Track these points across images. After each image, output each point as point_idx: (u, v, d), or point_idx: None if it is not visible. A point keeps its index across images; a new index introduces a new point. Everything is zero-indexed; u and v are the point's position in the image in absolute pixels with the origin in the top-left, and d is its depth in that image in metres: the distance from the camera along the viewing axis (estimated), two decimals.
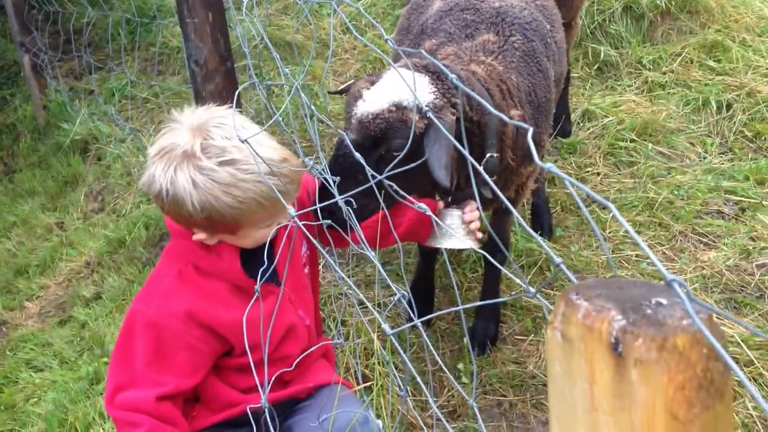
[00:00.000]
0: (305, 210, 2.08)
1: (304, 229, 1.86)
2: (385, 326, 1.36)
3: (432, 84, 2.33)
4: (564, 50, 3.37)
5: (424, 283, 3.61)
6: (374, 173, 1.95)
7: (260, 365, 1.96)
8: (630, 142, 4.79)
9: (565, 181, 1.00)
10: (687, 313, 0.86)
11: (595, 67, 5.54)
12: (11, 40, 7.08)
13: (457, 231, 2.46)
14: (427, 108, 2.14)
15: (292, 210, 1.79)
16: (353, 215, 2.09)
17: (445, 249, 2.49)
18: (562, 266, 1.12)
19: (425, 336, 1.55)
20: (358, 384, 2.43)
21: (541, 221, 4.17)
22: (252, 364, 1.78)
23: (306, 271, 2.35)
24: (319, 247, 2.09)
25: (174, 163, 1.92)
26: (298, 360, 2.11)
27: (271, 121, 1.88)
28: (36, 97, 6.62)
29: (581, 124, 5.07)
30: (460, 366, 3.35)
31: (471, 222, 2.49)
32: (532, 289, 1.26)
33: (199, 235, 2.03)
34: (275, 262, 2.07)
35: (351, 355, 2.84)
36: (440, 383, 3.36)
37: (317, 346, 2.27)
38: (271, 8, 6.96)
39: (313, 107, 2.04)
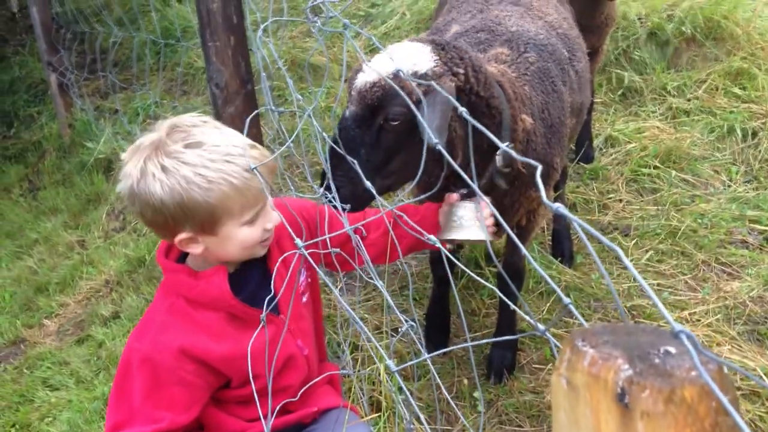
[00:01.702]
0: (313, 241, 2.04)
1: (309, 258, 1.81)
2: (390, 362, 1.33)
3: (433, 53, 2.30)
4: (587, 80, 3.33)
5: (439, 309, 3.58)
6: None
7: (261, 396, 1.93)
8: (653, 168, 4.74)
9: (574, 223, 0.97)
10: (693, 365, 0.82)
11: (619, 92, 5.50)
12: (39, 59, 7.17)
13: (470, 223, 2.37)
14: (402, 72, 2.10)
15: (299, 241, 1.76)
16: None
17: (457, 243, 2.40)
18: (571, 307, 1.09)
19: (433, 370, 1.52)
20: (365, 413, 2.40)
21: (562, 248, 4.13)
22: (255, 396, 1.75)
23: (305, 299, 2.31)
24: (322, 274, 2.05)
25: (143, 155, 1.91)
26: (302, 391, 2.08)
27: (281, 149, 1.86)
28: (62, 115, 6.69)
29: (604, 150, 5.02)
30: (476, 395, 3.30)
31: (487, 217, 2.42)
32: (542, 327, 1.23)
33: (181, 236, 1.96)
34: (275, 289, 2.04)
35: (358, 384, 2.81)
36: (455, 411, 3.31)
37: (321, 376, 2.24)
38: (296, 30, 7.01)
39: (324, 133, 2.01)
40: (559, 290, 1.10)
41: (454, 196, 2.39)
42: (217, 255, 2.06)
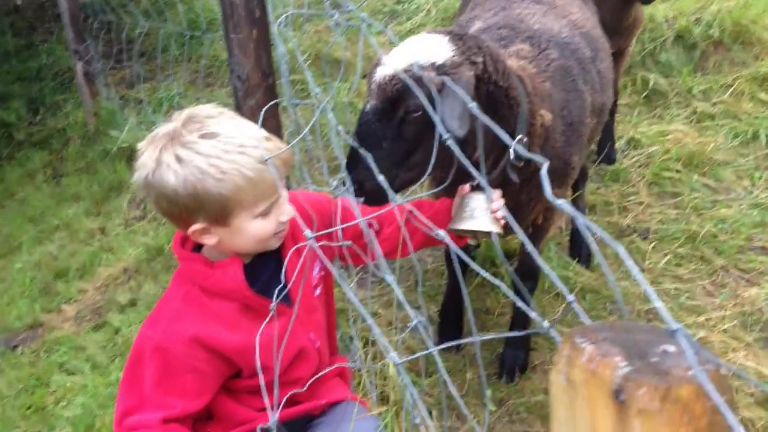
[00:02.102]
0: (324, 232, 2.04)
1: (319, 251, 1.81)
2: (393, 355, 1.33)
3: (451, 43, 2.30)
4: (609, 80, 3.31)
5: (453, 305, 3.57)
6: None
7: (271, 387, 1.94)
8: (675, 172, 4.70)
9: (578, 222, 0.97)
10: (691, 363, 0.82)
11: (644, 95, 5.46)
12: (66, 47, 7.23)
13: (481, 214, 2.35)
14: (419, 67, 2.10)
15: (308, 231, 1.76)
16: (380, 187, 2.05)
17: (466, 234, 2.39)
18: (575, 305, 1.08)
19: (440, 363, 1.52)
20: (374, 406, 2.40)
21: (579, 249, 4.11)
22: (263, 387, 1.75)
23: (318, 292, 2.32)
24: (332, 267, 2.05)
25: (159, 144, 1.92)
26: (310, 382, 2.08)
27: (294, 141, 1.87)
28: (87, 104, 6.75)
29: (626, 152, 4.99)
30: (488, 392, 3.30)
31: (496, 209, 2.41)
32: (546, 324, 1.23)
33: (194, 227, 1.97)
34: (287, 280, 2.04)
35: (368, 378, 2.81)
36: (468, 408, 3.31)
37: (331, 368, 2.24)
38: (321, 24, 7.02)
39: (340, 127, 2.02)
40: (562, 285, 1.10)
41: (466, 187, 2.38)
42: (230, 247, 2.06)
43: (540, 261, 1.19)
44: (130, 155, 6.01)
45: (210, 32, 6.56)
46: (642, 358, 0.85)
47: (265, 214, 2.00)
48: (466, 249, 3.61)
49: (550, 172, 2.73)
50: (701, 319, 3.58)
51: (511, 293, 1.31)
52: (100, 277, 4.86)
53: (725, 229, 4.18)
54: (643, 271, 3.99)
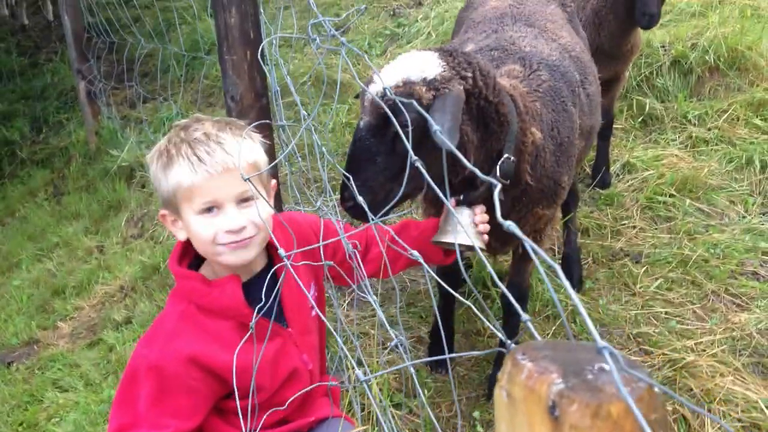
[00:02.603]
0: (301, 249, 2.06)
1: (293, 271, 1.83)
2: (359, 372, 1.36)
3: (441, 59, 2.33)
4: (598, 103, 3.35)
5: (443, 325, 3.59)
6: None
7: (263, 409, 1.95)
8: (669, 196, 4.72)
9: (525, 244, 0.99)
10: (625, 381, 0.84)
11: (640, 119, 5.49)
12: (70, 67, 7.33)
13: (466, 228, 2.37)
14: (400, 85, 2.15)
15: (282, 251, 1.78)
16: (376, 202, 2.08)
17: (452, 246, 2.41)
18: (529, 324, 1.11)
19: (417, 383, 1.54)
20: (360, 424, 2.41)
21: (571, 272, 4.13)
22: (252, 408, 1.76)
23: (313, 314, 2.33)
24: (305, 290, 2.06)
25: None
26: (292, 399, 2.09)
27: (273, 163, 1.90)
28: (89, 122, 6.83)
29: (621, 176, 5.02)
30: (476, 414, 3.31)
31: (481, 223, 2.43)
32: (512, 343, 1.25)
33: (162, 210, 2.11)
34: (279, 298, 2.06)
35: (355, 397, 2.83)
36: (457, 429, 3.32)
37: (315, 385, 2.25)
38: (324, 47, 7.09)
39: (323, 148, 2.05)
40: (514, 301, 1.12)
41: (452, 201, 2.41)
42: (196, 247, 2.11)
43: (503, 287, 1.22)
44: (129, 174, 6.07)
45: (212, 54, 6.64)
46: (578, 375, 0.88)
47: (203, 212, 2.01)
48: (454, 267, 3.61)
49: (540, 191, 2.79)
50: (690, 343, 3.58)
51: (476, 310, 1.33)
52: (97, 294, 4.89)
53: (717, 254, 4.19)
54: (634, 294, 4.01)
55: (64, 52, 7.85)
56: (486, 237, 2.41)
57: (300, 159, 4.01)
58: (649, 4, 4.18)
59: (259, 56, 2.46)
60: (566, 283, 0.90)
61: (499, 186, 1.11)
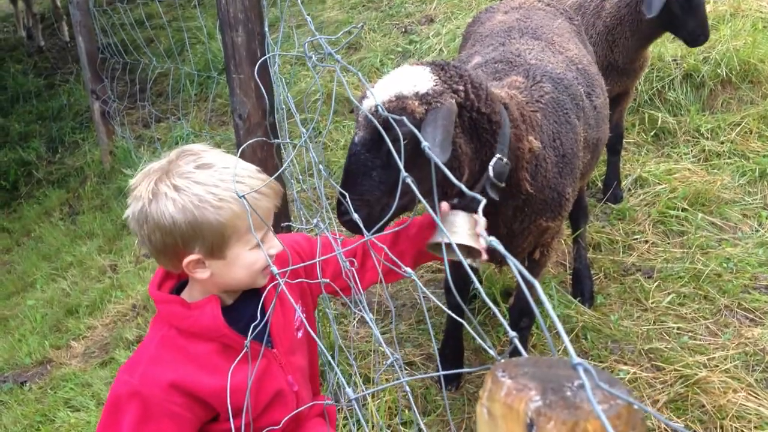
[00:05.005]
0: (290, 268, 2.04)
1: (285, 288, 1.82)
2: (349, 390, 1.35)
3: (432, 73, 2.35)
4: (604, 116, 3.34)
5: (453, 342, 3.58)
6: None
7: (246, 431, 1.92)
8: (681, 211, 4.69)
9: (510, 262, 0.99)
10: (604, 398, 0.83)
11: (652, 133, 5.47)
12: (85, 87, 7.41)
13: (461, 230, 2.34)
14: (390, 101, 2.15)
15: (274, 268, 1.78)
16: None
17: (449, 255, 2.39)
18: (515, 340, 1.10)
19: (411, 399, 1.53)
20: None
21: (582, 287, 4.10)
22: (237, 430, 1.74)
23: (299, 335, 2.31)
24: (298, 308, 2.05)
25: (154, 177, 1.94)
26: (285, 420, 2.07)
27: (271, 178, 1.91)
28: (104, 142, 6.88)
29: (633, 191, 4.99)
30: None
31: (478, 226, 2.41)
32: (500, 358, 1.24)
33: (190, 257, 1.97)
34: (267, 318, 2.03)
35: (349, 416, 2.81)
36: None
37: (305, 406, 2.22)
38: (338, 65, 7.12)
39: (321, 165, 2.05)
40: (499, 315, 1.11)
41: (445, 205, 2.40)
42: (223, 280, 2.05)
43: (490, 303, 1.21)
44: None
45: (224, 73, 6.69)
46: (557, 392, 0.87)
47: (257, 245, 2.01)
48: (465, 280, 3.59)
49: (542, 201, 2.78)
50: (703, 359, 3.54)
51: (463, 322, 1.32)
52: (109, 313, 4.91)
53: (730, 269, 4.15)
54: (646, 309, 3.97)
55: (79, 73, 7.94)
56: (483, 242, 2.39)
57: (309, 176, 4.02)
58: (705, 27, 4.26)
59: (256, 74, 2.46)
60: (542, 305, 0.89)
61: (484, 202, 1.10)
